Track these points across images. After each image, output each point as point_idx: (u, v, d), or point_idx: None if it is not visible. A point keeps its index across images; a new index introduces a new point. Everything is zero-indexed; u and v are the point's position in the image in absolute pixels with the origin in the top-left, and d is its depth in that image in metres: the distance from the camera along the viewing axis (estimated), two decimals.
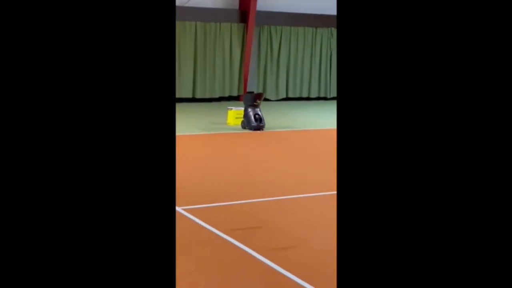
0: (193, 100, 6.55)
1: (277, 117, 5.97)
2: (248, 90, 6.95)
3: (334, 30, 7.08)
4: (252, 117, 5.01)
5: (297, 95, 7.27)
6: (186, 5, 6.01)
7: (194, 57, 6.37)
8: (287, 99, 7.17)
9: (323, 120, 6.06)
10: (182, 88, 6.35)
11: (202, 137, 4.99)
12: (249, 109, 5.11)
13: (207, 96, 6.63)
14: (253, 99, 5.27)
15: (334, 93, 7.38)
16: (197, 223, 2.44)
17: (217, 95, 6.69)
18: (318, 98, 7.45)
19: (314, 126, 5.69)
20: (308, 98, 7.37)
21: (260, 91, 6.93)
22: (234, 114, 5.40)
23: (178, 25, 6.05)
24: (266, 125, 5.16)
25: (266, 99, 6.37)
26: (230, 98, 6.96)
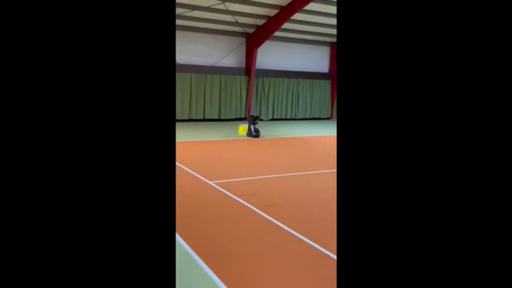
0: (218, 120, 10.11)
1: (268, 130, 8.80)
2: (250, 114, 10.15)
3: (300, 80, 11.30)
4: (253, 130, 7.58)
5: (279, 117, 11.31)
6: (216, 64, 9.98)
7: (219, 95, 9.99)
8: (273, 119, 11.17)
9: (295, 131, 9.12)
10: (211, 113, 9.94)
11: (224, 141, 7.14)
12: (251, 125, 7.65)
13: (227, 117, 10.19)
14: (253, 119, 7.72)
15: (301, 115, 11.54)
16: (220, 191, 3.54)
17: (232, 117, 10.29)
18: (291, 119, 11.50)
19: (289, 135, 8.39)
20: (285, 119, 11.46)
21: (257, 115, 10.23)
22: (243, 128, 7.91)
23: (210, 78, 9.76)
24: (261, 135, 7.80)
25: (261, 119, 10.14)
26: (240, 119, 10.44)
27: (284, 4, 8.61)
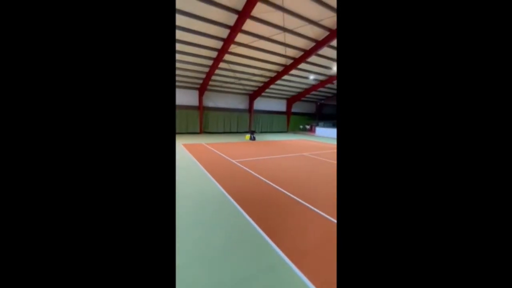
0: (236, 132, 20.98)
1: (259, 137, 16.15)
2: (250, 129, 20.77)
3: (273, 115, 22.79)
4: (252, 137, 14.22)
5: (264, 131, 22.57)
6: (229, 106, 21.43)
7: (237, 120, 21.10)
8: (261, 132, 22.55)
9: (271, 137, 16.59)
10: (232, 128, 21.32)
11: (238, 142, 12.30)
12: (251, 134, 14.61)
13: (240, 131, 21.27)
14: (252, 132, 14.83)
15: (274, 130, 23.08)
16: (235, 164, 6.47)
17: (242, 131, 21.57)
18: (269, 132, 22.82)
19: (269, 139, 14.77)
20: (266, 132, 22.79)
21: (254, 129, 20.71)
22: (247, 136, 14.61)
23: (226, 114, 19.76)
24: (256, 139, 14.64)
25: (255, 131, 21.65)
26: (246, 132, 20.22)
27: (272, 76, 16.81)
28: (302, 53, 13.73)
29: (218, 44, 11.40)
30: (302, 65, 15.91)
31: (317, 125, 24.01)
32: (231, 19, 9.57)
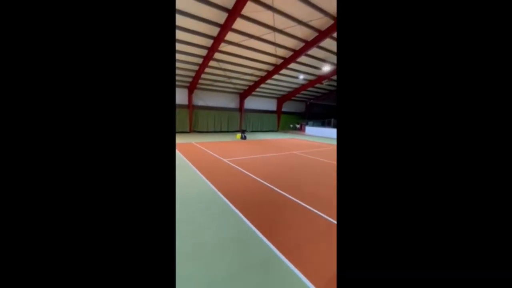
0: (227, 131, 21.07)
1: (250, 136, 17.08)
2: (241, 128, 20.99)
3: (263, 114, 22.96)
4: (243, 136, 14.32)
5: (254, 130, 22.77)
6: (219, 105, 21.34)
7: (227, 119, 21.17)
8: (252, 131, 22.74)
9: (262, 136, 17.34)
10: (223, 127, 21.33)
11: (229, 141, 12.50)
12: (242, 133, 14.50)
13: (230, 130, 21.35)
14: (242, 131, 14.73)
15: (264, 129, 23.17)
16: (226, 162, 6.62)
17: (233, 130, 21.66)
18: (259, 131, 23.03)
19: (259, 138, 15.22)
20: (257, 131, 23.00)
21: (244, 128, 21.19)
22: (238, 135, 14.63)
23: (217, 113, 20.13)
24: (247, 138, 14.94)
25: (245, 130, 21.83)
26: (236, 131, 20.54)
27: (263, 75, 17.15)
28: (292, 53, 13.91)
29: (208, 43, 11.37)
30: (292, 65, 16.12)
31: (307, 124, 24.34)
32: (221, 17, 9.58)
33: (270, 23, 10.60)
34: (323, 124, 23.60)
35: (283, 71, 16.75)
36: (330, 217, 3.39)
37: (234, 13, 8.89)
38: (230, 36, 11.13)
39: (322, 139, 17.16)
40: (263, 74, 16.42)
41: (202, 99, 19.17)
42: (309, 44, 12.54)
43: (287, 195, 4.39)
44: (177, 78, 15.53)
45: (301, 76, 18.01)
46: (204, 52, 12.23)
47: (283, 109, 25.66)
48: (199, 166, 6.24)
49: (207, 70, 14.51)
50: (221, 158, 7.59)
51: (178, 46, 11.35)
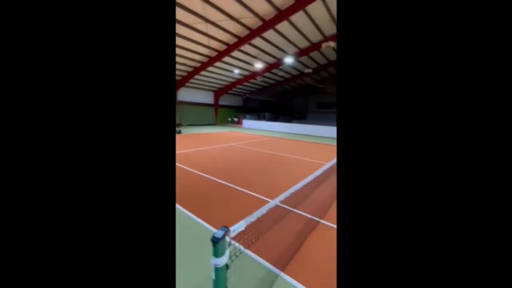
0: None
1: (186, 130, 18.65)
2: (176, 122, 20.53)
3: (208, 107, 22.36)
4: (178, 129, 18.25)
5: (192, 124, 21.93)
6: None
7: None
8: (189, 125, 21.63)
9: (197, 130, 19.27)
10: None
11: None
12: (177, 127, 18.32)
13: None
14: (177, 125, 17.23)
15: (202, 123, 22.61)
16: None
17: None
18: (198, 125, 22.42)
19: (202, 131, 18.30)
20: (194, 125, 22.17)
21: (179, 122, 20.35)
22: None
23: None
24: (182, 132, 17.60)
25: (181, 124, 20.53)
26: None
27: (197, 65, 16.79)
28: (226, 46, 14.07)
29: None
30: (227, 59, 16.32)
31: (244, 117, 25.24)
32: None
33: (201, 12, 10.40)
34: (259, 117, 25.00)
35: (219, 64, 16.81)
36: (260, 195, 3.91)
37: None
38: None
39: (258, 131, 18.21)
40: (197, 64, 16.28)
41: None
42: (241, 40, 12.98)
43: (220, 181, 4.64)
44: None
45: (236, 71, 18.47)
46: None
47: (221, 103, 25.69)
48: None
49: None
50: None
51: None
